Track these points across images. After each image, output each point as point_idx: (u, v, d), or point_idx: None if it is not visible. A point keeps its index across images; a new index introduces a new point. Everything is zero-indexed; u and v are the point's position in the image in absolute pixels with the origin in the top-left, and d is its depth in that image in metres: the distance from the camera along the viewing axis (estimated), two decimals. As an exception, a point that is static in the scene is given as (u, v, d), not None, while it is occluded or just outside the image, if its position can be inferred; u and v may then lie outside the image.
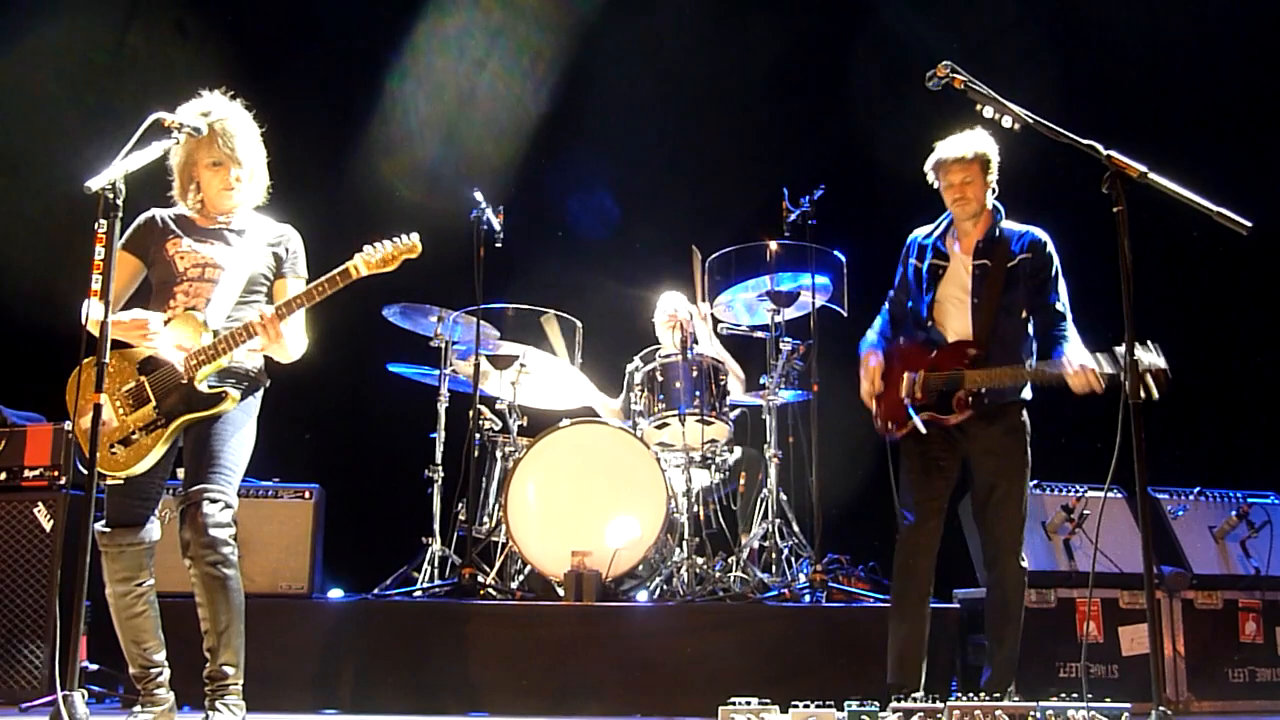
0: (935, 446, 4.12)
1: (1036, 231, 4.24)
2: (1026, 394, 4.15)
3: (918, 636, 4.09)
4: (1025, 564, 4.10)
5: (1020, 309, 4.15)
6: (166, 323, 3.52)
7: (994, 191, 4.24)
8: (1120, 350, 3.44)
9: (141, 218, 3.69)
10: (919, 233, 4.39)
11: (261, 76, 3.85)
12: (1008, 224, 4.26)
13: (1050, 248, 4.21)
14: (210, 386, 3.49)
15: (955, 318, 4.17)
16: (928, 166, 4.26)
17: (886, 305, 4.46)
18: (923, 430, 4.03)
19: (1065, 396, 3.88)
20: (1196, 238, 5.89)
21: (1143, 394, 3.24)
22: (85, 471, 3.11)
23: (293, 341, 3.63)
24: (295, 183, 3.88)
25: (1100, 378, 3.77)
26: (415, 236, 3.62)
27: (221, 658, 3.40)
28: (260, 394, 3.69)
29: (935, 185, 4.27)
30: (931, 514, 4.11)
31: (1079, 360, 3.83)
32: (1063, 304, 4.16)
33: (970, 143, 4.16)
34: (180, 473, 3.57)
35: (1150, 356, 3.42)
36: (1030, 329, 4.18)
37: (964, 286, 4.17)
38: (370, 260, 3.57)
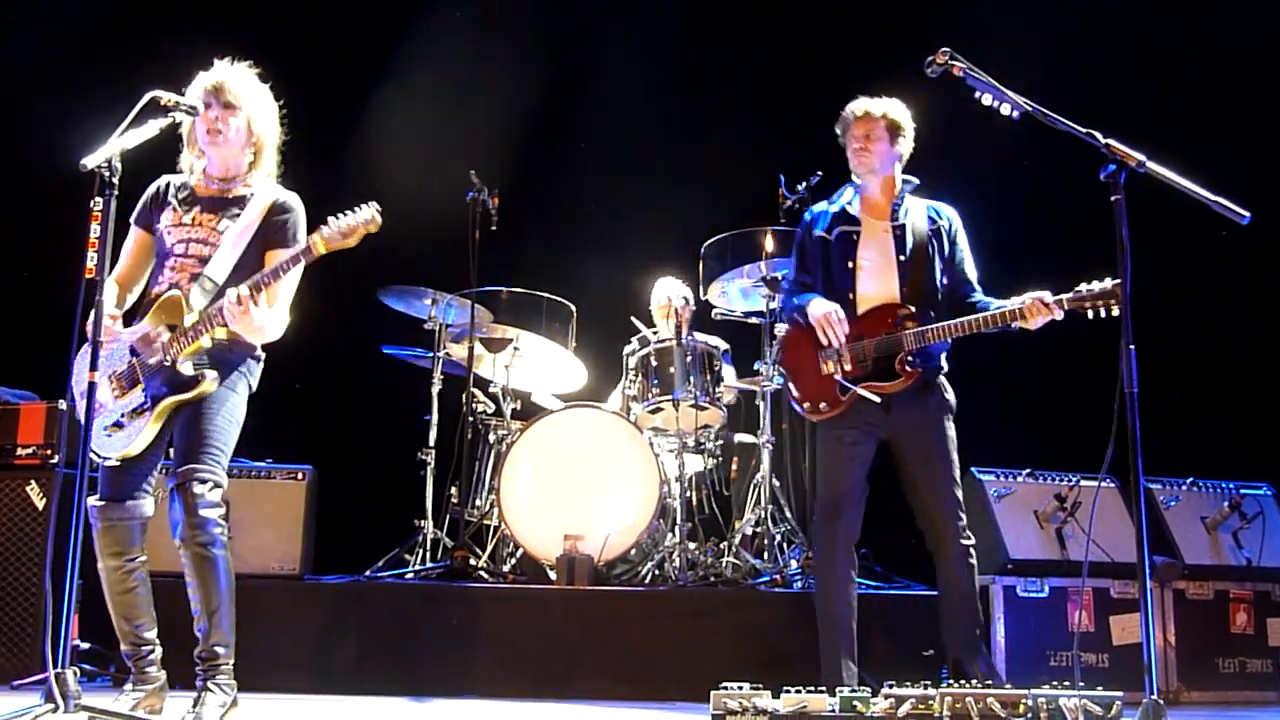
0: (853, 432, 4.02)
1: (944, 206, 4.23)
2: (944, 364, 4.09)
3: (844, 628, 4.00)
4: (968, 542, 3.97)
5: (939, 274, 4.08)
6: (155, 299, 3.48)
7: (901, 164, 4.20)
8: (1083, 287, 3.61)
9: (149, 189, 3.66)
10: (816, 206, 4.31)
11: (257, 58, 3.79)
12: (914, 198, 4.21)
13: (959, 220, 4.21)
14: (194, 366, 3.43)
15: (878, 281, 4.06)
16: (837, 125, 4.22)
17: (786, 289, 4.34)
18: (875, 400, 3.93)
19: (1056, 383, 3.84)
20: (1225, 236, 5.85)
21: (1102, 312, 3.55)
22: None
23: (269, 320, 3.48)
24: (290, 168, 3.84)
25: (1056, 304, 3.70)
26: (373, 206, 3.44)
27: (213, 638, 3.39)
28: (252, 372, 3.60)
29: (844, 145, 4.22)
30: (852, 504, 4.02)
31: (1029, 294, 3.76)
32: (976, 274, 4.15)
33: (880, 103, 4.16)
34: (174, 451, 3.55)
35: (1099, 284, 3.57)
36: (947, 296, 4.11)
37: (884, 249, 4.09)
38: (327, 237, 3.40)
